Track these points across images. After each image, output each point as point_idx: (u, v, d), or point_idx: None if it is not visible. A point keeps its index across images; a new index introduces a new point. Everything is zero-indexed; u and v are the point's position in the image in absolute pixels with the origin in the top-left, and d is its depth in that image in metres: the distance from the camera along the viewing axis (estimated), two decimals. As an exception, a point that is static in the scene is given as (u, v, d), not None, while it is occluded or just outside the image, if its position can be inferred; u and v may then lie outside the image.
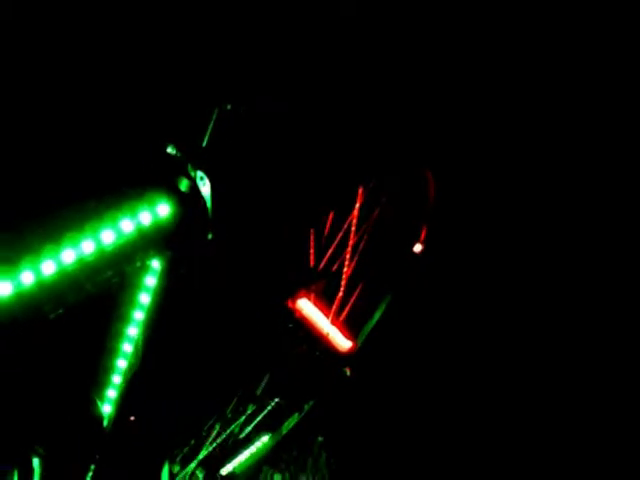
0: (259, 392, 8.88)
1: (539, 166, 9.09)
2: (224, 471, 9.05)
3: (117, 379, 6.98)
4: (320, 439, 10.07)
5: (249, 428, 9.06)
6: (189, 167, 6.08)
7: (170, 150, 6.14)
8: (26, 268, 5.72)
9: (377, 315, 9.51)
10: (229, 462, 8.96)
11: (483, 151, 9.05)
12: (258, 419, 9.11)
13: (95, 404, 6.93)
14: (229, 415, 8.95)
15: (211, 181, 6.05)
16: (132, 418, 7.17)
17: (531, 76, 8.27)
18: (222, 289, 7.81)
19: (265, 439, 9.09)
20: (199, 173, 6.08)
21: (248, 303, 8.19)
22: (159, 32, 6.55)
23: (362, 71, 7.89)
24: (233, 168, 6.82)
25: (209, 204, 6.15)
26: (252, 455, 9.29)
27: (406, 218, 9.32)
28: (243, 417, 9.04)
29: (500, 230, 9.45)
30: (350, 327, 9.29)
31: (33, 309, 5.65)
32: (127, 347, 6.90)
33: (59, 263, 5.84)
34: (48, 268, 5.79)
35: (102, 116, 6.42)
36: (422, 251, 9.32)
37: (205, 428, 8.90)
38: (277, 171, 7.67)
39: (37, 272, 5.76)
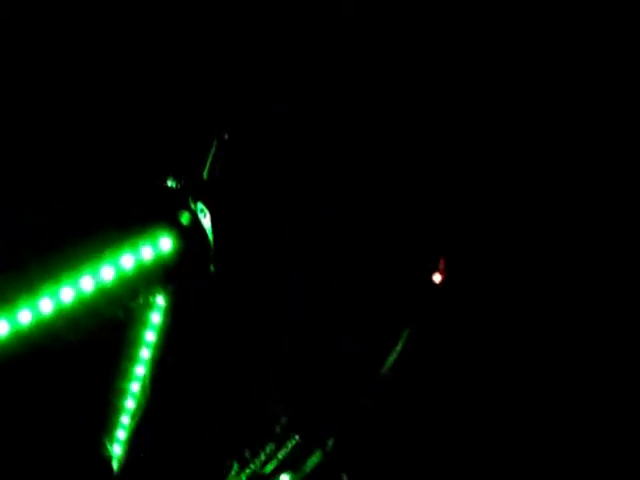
0: (278, 429, 8.67)
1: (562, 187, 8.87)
2: (245, 514, 8.84)
3: (126, 420, 6.84)
4: (344, 477, 9.81)
5: (269, 467, 8.83)
6: (190, 200, 5.94)
7: (170, 183, 6.00)
8: (24, 307, 5.59)
9: (398, 349, 9.30)
10: (250, 503, 8.74)
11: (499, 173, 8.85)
12: (279, 457, 8.88)
13: (104, 446, 6.79)
14: (247, 455, 8.73)
15: (212, 213, 5.90)
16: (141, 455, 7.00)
17: (541, 80, 8.09)
18: (229, 323, 7.65)
19: (285, 478, 8.86)
20: (199, 205, 5.94)
21: (257, 337, 8.02)
22: (153, 57, 6.44)
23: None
24: (235, 199, 6.70)
25: (211, 237, 6.00)
26: (274, 496, 9.08)
27: (424, 246, 9.14)
28: (263, 456, 8.82)
29: (524, 255, 9.22)
30: (369, 362, 9.10)
31: (30, 347, 5.51)
32: (135, 387, 6.77)
33: (58, 302, 5.70)
34: (46, 306, 5.65)
35: (98, 150, 6.32)
36: (442, 281, 9.12)
37: (224, 470, 8.68)
38: (281, 198, 7.54)
39: (35, 311, 5.62)
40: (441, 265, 9.08)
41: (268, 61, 7.25)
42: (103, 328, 6.02)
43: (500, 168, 8.68)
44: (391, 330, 9.16)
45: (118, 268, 5.92)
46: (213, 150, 6.15)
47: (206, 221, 5.96)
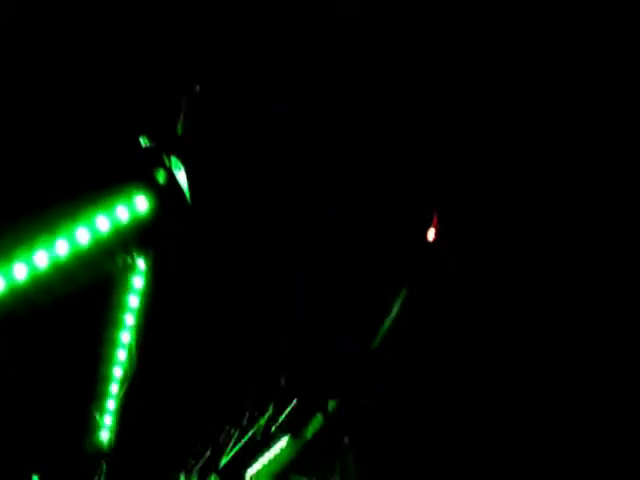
0: (277, 392, 8.54)
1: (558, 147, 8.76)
2: (247, 478, 8.72)
3: (115, 388, 6.69)
4: (346, 440, 9.69)
5: (270, 430, 8.71)
6: (164, 157, 5.75)
7: (143, 141, 5.81)
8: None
9: (394, 311, 9.15)
10: (250, 467, 8.60)
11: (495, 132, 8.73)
12: (278, 421, 8.76)
13: (94, 417, 6.65)
14: (246, 420, 8.61)
15: (187, 168, 5.71)
16: None
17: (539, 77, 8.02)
18: (216, 282, 7.50)
19: (284, 441, 8.72)
20: (174, 160, 5.75)
21: (250, 294, 7.87)
22: (126, 18, 6.27)
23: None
24: (209, 153, 6.55)
25: (187, 193, 5.81)
26: (275, 460, 8.94)
27: (415, 204, 9.00)
28: (262, 420, 8.69)
29: (518, 214, 9.09)
30: (366, 325, 8.98)
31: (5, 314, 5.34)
32: (121, 354, 6.61)
33: (32, 267, 5.52)
34: (20, 272, 5.48)
35: (72, 113, 6.13)
36: (436, 238, 8.96)
37: (222, 435, 8.56)
38: (258, 155, 7.39)
39: (8, 277, 5.45)
40: (434, 221, 8.93)
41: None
42: (84, 292, 5.86)
43: (492, 130, 8.59)
44: (388, 294, 9.05)
45: (94, 230, 5.74)
46: (184, 105, 5.96)
47: (182, 176, 5.77)
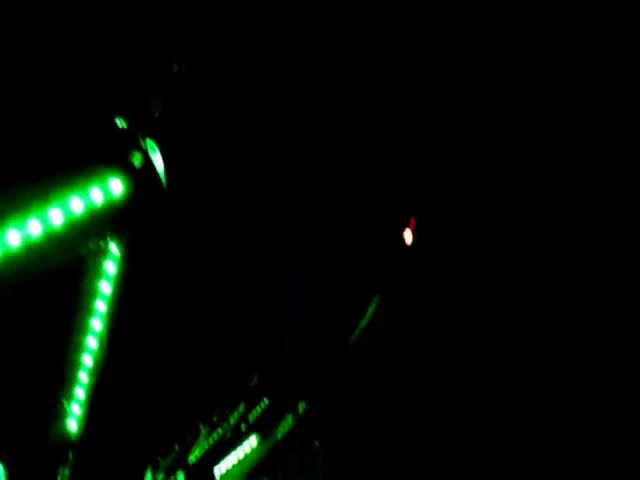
0: (248, 390, 8.45)
1: (539, 155, 8.78)
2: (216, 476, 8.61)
3: (84, 377, 6.58)
4: (317, 443, 9.60)
5: (238, 429, 8.61)
6: (139, 139, 5.69)
7: (118, 122, 5.75)
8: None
9: (368, 314, 9.11)
10: (216, 465, 8.49)
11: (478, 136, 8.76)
12: (248, 420, 8.66)
13: (62, 405, 6.54)
14: (216, 417, 8.51)
15: (163, 150, 5.65)
16: None
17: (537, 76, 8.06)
18: (192, 271, 7.43)
19: (253, 441, 8.62)
20: (149, 143, 5.69)
21: (224, 286, 7.81)
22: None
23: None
24: (186, 135, 6.49)
25: (163, 176, 5.75)
26: (245, 460, 8.84)
27: (393, 205, 8.98)
28: (232, 419, 8.59)
29: (497, 216, 9.11)
30: (339, 327, 8.93)
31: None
32: (92, 342, 6.51)
33: (4, 246, 5.44)
34: None
35: (46, 91, 6.06)
36: (413, 241, 8.94)
37: (191, 432, 8.45)
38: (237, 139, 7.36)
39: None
40: (411, 223, 8.91)
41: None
42: (54, 277, 5.78)
43: (475, 133, 8.61)
44: (361, 295, 9.01)
45: (67, 212, 5.66)
46: (163, 85, 5.91)
47: (157, 159, 5.71)
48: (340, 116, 7.90)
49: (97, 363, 6.50)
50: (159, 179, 5.79)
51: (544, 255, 8.78)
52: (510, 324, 9.07)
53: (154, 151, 5.73)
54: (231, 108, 7.24)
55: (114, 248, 6.12)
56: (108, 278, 6.26)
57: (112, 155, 5.71)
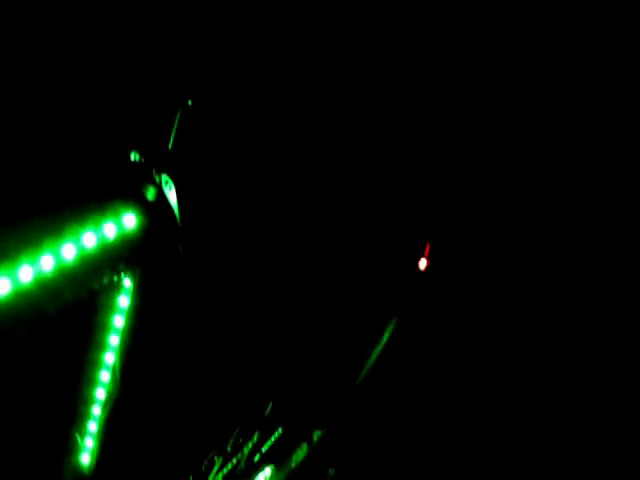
0: (262, 420, 8.39)
1: (549, 175, 8.73)
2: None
3: (97, 411, 6.54)
4: (332, 472, 9.52)
5: (253, 460, 8.55)
6: (154, 173, 5.65)
7: (133, 156, 5.72)
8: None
9: (383, 341, 9.05)
10: (231, 498, 8.45)
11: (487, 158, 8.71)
12: (262, 450, 8.60)
13: (74, 439, 6.50)
14: (230, 447, 8.45)
15: (177, 186, 5.62)
16: None
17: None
18: (204, 303, 7.40)
19: (269, 471, 8.56)
20: (164, 177, 5.65)
21: (238, 316, 7.77)
22: (119, 33, 6.21)
23: (362, 71, 7.65)
24: (202, 170, 6.47)
25: (177, 212, 5.71)
26: (258, 491, 8.78)
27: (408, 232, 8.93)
28: (246, 449, 8.53)
29: (512, 239, 9.04)
30: (354, 355, 8.88)
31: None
32: (105, 375, 6.47)
33: (16, 282, 5.39)
34: (3, 287, 5.34)
35: (59, 124, 6.04)
36: (428, 268, 8.87)
37: (205, 462, 8.40)
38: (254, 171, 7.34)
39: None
40: (426, 251, 8.85)
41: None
42: (67, 312, 5.73)
43: (487, 156, 8.57)
44: (377, 321, 8.96)
45: (80, 247, 5.62)
46: (177, 120, 5.87)
47: (172, 195, 5.67)
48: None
49: (110, 396, 6.45)
50: (173, 213, 5.75)
51: (563, 283, 8.71)
52: (527, 347, 9.01)
53: (168, 185, 5.70)
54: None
55: (127, 281, 6.08)
56: (121, 311, 6.22)
57: (126, 189, 5.67)
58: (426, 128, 8.29)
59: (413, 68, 7.83)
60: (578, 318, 8.74)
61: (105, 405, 6.38)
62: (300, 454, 8.91)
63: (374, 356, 8.99)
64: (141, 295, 6.00)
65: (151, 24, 6.49)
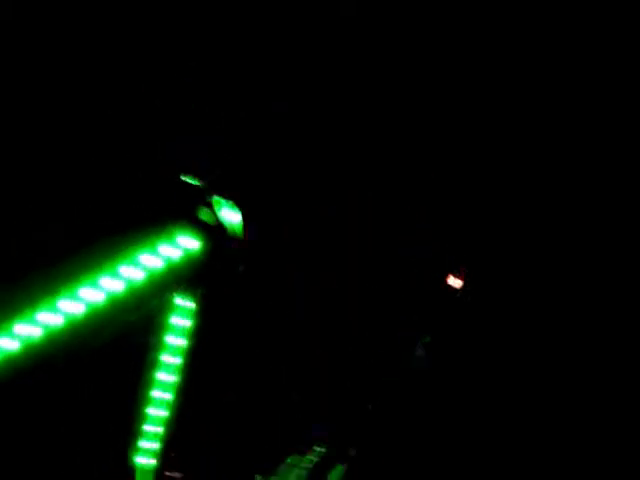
0: (302, 440, 8.51)
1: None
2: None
3: (155, 429, 6.67)
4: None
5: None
6: (207, 195, 5.86)
7: (190, 180, 5.92)
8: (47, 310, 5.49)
9: (416, 362, 9.11)
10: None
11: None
12: (302, 471, 8.70)
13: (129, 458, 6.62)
14: (271, 468, 8.56)
15: (240, 207, 5.81)
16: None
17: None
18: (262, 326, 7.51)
19: (307, 491, 8.67)
20: (225, 201, 5.86)
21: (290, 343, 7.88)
22: (159, 56, 6.39)
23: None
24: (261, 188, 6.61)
25: (239, 233, 5.90)
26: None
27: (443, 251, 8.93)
28: (294, 471, 8.64)
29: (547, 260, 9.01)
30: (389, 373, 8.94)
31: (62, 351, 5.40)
32: (165, 395, 6.60)
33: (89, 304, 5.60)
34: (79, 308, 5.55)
35: (112, 150, 6.22)
36: (462, 287, 8.87)
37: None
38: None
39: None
40: (461, 272, 8.78)
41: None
42: (122, 335, 5.90)
43: (516, 174, 8.57)
44: (406, 334, 8.99)
45: (141, 268, 5.82)
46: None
47: (235, 216, 5.85)
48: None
49: (171, 414, 6.57)
50: (234, 235, 5.92)
51: (598, 306, 8.74)
52: (562, 367, 9.03)
53: (223, 206, 5.89)
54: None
55: (187, 302, 6.25)
56: (180, 331, 6.38)
57: (181, 212, 5.86)
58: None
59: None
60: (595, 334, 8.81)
61: (166, 423, 6.51)
62: (335, 475, 9.01)
63: (407, 375, 9.05)
64: (202, 315, 6.16)
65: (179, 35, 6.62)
